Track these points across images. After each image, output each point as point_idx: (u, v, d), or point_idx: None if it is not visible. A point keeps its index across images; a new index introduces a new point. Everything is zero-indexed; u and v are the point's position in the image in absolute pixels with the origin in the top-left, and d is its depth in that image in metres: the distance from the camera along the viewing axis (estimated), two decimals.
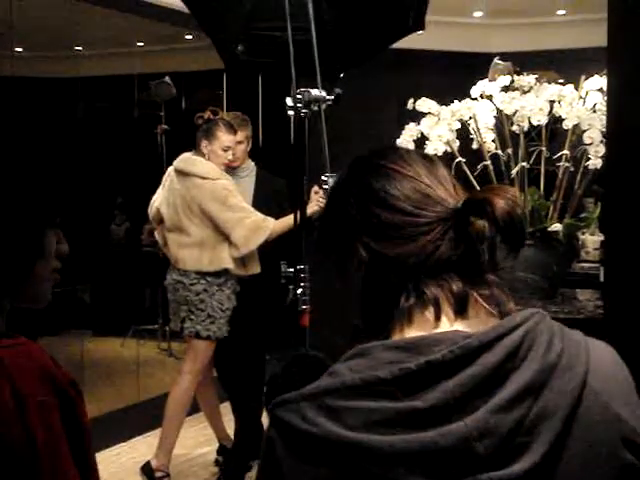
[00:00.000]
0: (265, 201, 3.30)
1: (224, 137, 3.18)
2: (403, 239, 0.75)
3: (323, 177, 1.81)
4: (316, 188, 2.95)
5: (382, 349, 0.70)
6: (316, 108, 1.82)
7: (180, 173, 3.18)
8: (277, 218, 3.12)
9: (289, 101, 1.82)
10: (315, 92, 1.81)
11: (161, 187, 3.32)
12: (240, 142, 3.34)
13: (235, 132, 3.24)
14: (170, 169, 3.28)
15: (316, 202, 2.93)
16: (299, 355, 0.83)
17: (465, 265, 0.74)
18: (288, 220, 3.02)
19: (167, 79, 4.98)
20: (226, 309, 3.18)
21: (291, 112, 1.82)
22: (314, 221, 3.05)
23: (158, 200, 3.29)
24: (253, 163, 3.50)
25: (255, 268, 3.20)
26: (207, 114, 3.21)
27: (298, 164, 1.86)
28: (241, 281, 3.22)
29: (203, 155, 3.20)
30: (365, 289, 0.78)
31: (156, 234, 3.37)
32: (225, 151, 3.19)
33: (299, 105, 1.81)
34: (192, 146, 3.27)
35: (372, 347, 0.70)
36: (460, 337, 0.69)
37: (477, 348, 0.67)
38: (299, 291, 1.83)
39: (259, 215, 3.12)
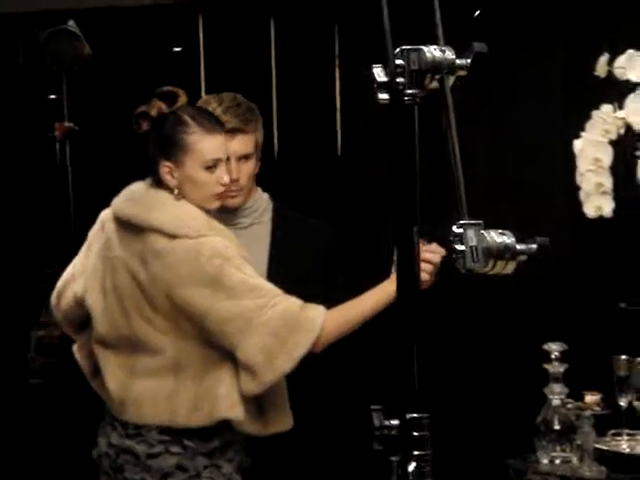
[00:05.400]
0: (294, 270, 3.40)
1: (205, 144, 3.23)
2: None
3: (456, 228, 1.80)
4: (434, 247, 3.11)
5: None
6: (436, 84, 1.84)
7: (126, 226, 3.25)
8: (329, 306, 3.19)
9: (379, 73, 1.84)
10: (435, 52, 1.83)
11: (84, 252, 3.41)
12: (243, 157, 3.46)
13: (225, 131, 3.28)
14: (105, 215, 3.35)
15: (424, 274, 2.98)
16: None
17: None
18: (360, 306, 3.17)
19: (71, 24, 5.10)
20: None
21: (385, 96, 1.84)
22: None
23: (80, 280, 3.36)
24: (267, 196, 3.63)
25: (284, 420, 3.28)
26: (155, 107, 3.25)
27: (403, 197, 1.82)
28: (253, 446, 3.29)
29: (169, 189, 3.26)
30: None
31: (75, 350, 3.45)
32: (211, 170, 3.22)
33: (400, 81, 1.82)
34: (140, 167, 3.35)
35: None
36: None
37: None
38: (412, 467, 1.82)
39: (292, 300, 3.18)
